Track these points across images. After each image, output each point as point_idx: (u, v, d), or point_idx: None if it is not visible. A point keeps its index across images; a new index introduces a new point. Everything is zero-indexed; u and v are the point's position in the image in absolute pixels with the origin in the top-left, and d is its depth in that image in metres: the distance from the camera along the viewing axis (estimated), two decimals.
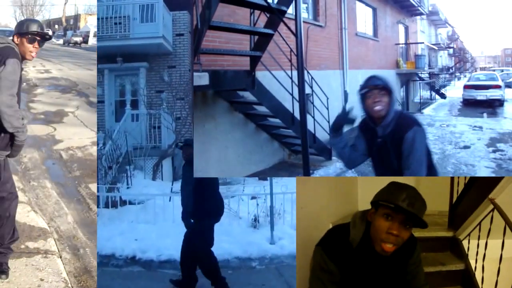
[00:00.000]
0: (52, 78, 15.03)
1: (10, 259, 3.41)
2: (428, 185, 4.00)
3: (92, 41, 29.41)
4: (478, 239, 3.31)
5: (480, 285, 3.28)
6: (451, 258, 3.62)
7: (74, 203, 4.97)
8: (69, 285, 3.34)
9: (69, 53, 26.23)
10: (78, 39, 32.50)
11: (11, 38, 3.24)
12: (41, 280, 3.32)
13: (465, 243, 3.57)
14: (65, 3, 47.01)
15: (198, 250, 4.30)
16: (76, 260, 3.77)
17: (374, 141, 2.78)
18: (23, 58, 3.22)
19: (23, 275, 3.34)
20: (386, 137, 2.72)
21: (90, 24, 34.89)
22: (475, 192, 3.43)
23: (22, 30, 3.19)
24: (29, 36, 3.18)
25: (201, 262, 4.34)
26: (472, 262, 3.43)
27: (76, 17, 44.50)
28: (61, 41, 36.82)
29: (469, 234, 3.51)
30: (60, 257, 3.74)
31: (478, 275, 3.32)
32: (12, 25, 35.31)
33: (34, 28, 3.20)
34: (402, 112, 2.75)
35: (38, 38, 3.22)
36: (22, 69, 3.18)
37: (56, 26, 48.33)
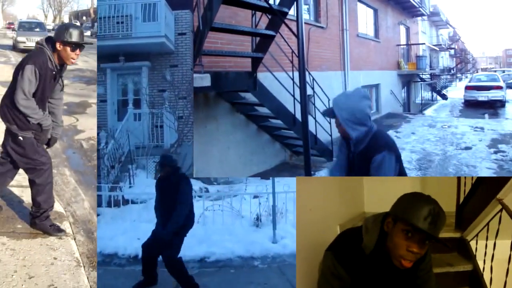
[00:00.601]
0: (77, 69, 15.12)
1: (26, 239, 3.63)
2: (435, 185, 4.00)
3: None
4: (486, 239, 3.26)
5: (488, 286, 3.25)
6: (459, 259, 3.57)
7: (92, 190, 5.05)
8: (81, 264, 3.41)
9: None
10: None
11: (44, 39, 3.45)
12: (55, 259, 3.40)
13: (472, 243, 3.51)
14: None
15: (169, 259, 4.17)
16: (90, 242, 3.85)
17: (349, 155, 2.77)
18: (63, 63, 3.46)
19: (38, 254, 3.44)
20: (356, 154, 2.69)
21: None
22: (483, 192, 3.39)
23: (65, 38, 3.35)
24: (73, 45, 3.37)
25: (172, 269, 4.22)
26: (480, 263, 3.38)
27: None
28: (88, 33, 36.40)
29: (477, 235, 3.46)
30: (74, 239, 3.81)
31: (486, 276, 3.29)
32: (40, 17, 34.84)
33: (76, 37, 3.38)
34: (377, 132, 2.66)
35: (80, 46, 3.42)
36: (52, 69, 3.40)
37: (84, 18, 47.78)
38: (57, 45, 3.37)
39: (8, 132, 3.55)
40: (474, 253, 3.46)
